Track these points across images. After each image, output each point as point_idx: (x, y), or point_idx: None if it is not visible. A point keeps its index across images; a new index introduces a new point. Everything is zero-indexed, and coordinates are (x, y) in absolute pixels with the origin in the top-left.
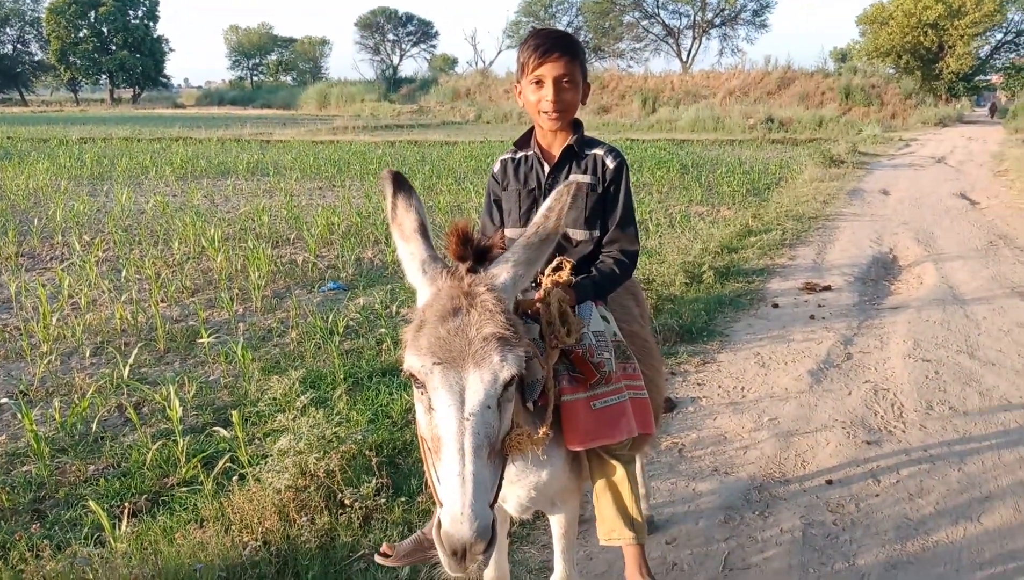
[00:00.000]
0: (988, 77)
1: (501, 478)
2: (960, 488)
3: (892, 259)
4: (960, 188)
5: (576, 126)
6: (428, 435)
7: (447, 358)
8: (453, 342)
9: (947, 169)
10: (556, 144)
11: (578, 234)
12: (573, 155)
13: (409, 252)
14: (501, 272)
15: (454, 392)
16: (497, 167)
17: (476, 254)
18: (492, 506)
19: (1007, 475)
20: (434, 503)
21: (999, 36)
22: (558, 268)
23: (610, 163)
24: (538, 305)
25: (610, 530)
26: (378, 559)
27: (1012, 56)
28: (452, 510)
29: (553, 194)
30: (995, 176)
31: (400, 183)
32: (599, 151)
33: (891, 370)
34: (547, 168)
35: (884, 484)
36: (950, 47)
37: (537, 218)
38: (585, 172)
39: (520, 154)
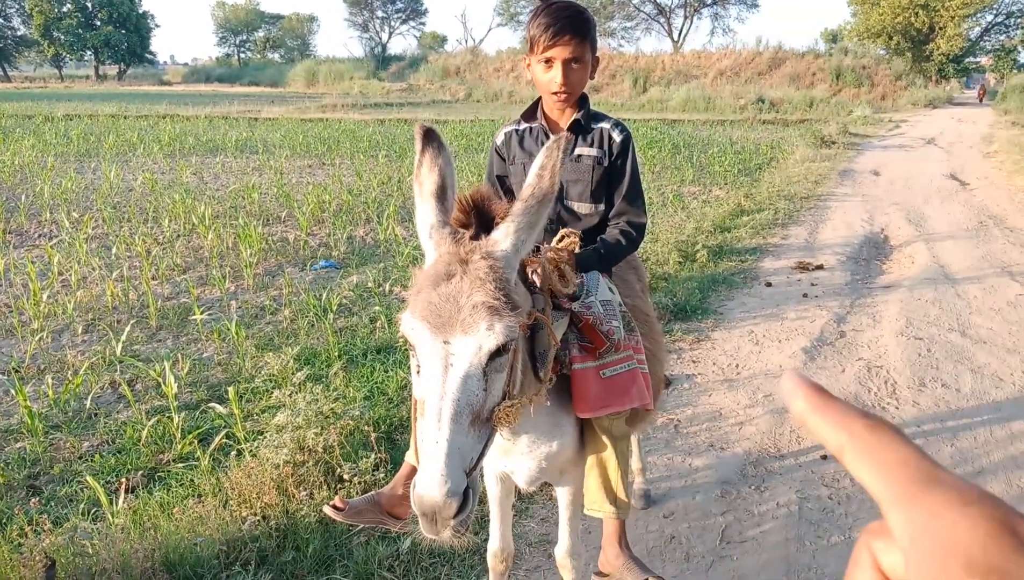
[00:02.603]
0: (978, 59)
1: (486, 447)
2: (953, 463)
3: (884, 239)
4: (950, 169)
5: (582, 101)
6: (418, 398)
7: (436, 323)
8: (444, 308)
9: (937, 150)
10: (564, 118)
11: (584, 208)
12: (580, 129)
13: (421, 214)
14: (502, 238)
15: (439, 357)
16: (500, 139)
17: (481, 222)
18: (469, 474)
19: (999, 450)
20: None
21: (989, 18)
22: (564, 239)
23: (616, 137)
24: (532, 259)
25: (592, 502)
26: (327, 510)
27: (1002, 38)
28: (424, 472)
29: (543, 151)
30: (985, 157)
31: (430, 139)
32: (605, 125)
33: (884, 348)
34: None
35: None
36: (941, 28)
37: (531, 179)
38: (592, 146)
39: (525, 126)
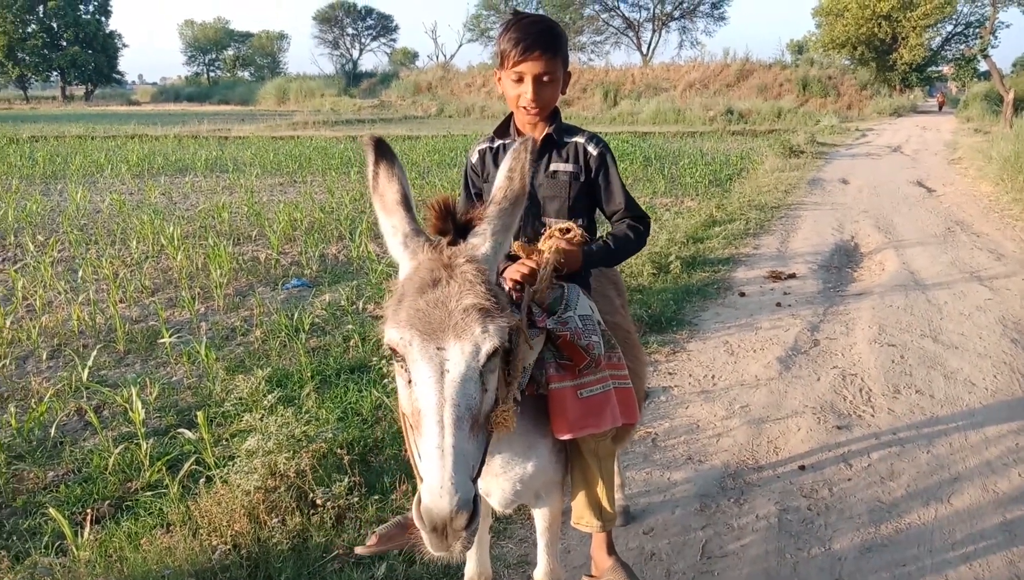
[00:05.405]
0: (940, 68)
1: (485, 453)
2: (930, 470)
3: (854, 246)
4: (917, 176)
5: (554, 115)
6: (409, 410)
7: (427, 330)
8: (433, 314)
9: (903, 158)
10: (536, 133)
11: (561, 224)
12: (552, 144)
13: (391, 225)
14: (481, 243)
15: (434, 364)
16: (475, 157)
17: (457, 228)
18: (475, 481)
19: (974, 456)
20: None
21: (949, 28)
22: (567, 230)
23: (592, 150)
24: (535, 252)
25: (580, 516)
26: (359, 551)
27: (962, 47)
28: (431, 483)
29: (510, 153)
30: (949, 164)
31: (383, 150)
32: (580, 139)
33: (858, 355)
34: None
35: (856, 468)
36: (903, 38)
37: (501, 182)
38: (567, 161)
39: (499, 143)
